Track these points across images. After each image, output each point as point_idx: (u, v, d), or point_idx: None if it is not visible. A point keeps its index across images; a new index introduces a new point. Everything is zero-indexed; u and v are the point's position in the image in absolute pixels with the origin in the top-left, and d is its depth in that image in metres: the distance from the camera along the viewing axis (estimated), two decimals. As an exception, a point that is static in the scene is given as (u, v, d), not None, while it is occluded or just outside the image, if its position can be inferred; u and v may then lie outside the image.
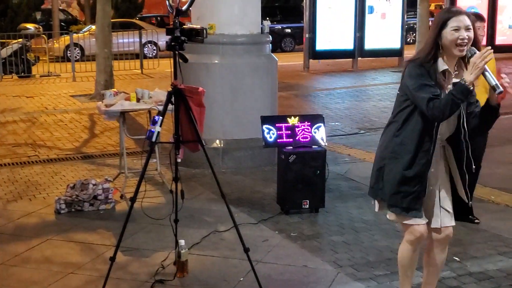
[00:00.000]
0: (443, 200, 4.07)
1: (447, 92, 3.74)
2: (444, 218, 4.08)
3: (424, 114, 3.79)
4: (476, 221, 6.04)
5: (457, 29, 3.74)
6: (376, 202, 4.17)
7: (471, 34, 3.75)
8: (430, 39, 3.84)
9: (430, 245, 4.22)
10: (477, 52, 3.69)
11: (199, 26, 4.68)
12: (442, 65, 3.82)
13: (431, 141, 3.86)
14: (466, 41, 3.73)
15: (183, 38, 4.55)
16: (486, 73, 3.62)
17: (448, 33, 3.76)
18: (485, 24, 5.98)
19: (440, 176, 4.05)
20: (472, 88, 3.64)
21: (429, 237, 4.17)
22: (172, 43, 4.55)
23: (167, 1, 4.91)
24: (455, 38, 3.74)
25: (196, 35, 4.61)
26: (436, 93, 3.72)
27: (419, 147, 3.87)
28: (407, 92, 3.86)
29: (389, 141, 3.99)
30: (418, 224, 4.02)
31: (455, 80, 3.81)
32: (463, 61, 3.85)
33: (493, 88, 3.62)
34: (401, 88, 3.94)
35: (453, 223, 4.14)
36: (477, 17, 5.72)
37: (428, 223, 4.08)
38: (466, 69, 3.72)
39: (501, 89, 3.59)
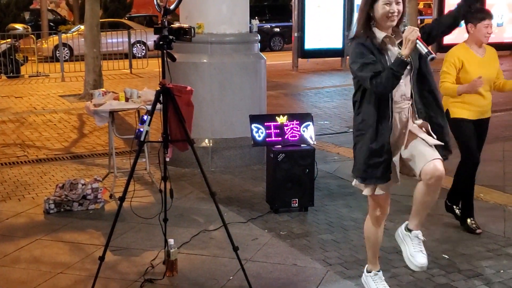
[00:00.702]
0: (427, 140, 4.04)
1: (397, 51, 3.93)
2: (433, 152, 3.99)
3: None
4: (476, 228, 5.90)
5: (388, 3, 3.96)
6: (355, 179, 4.31)
7: (401, 7, 4.00)
8: (362, 12, 4.06)
9: (423, 186, 4.02)
10: (407, 27, 3.90)
11: (187, 25, 4.67)
12: (380, 34, 4.03)
13: (388, 108, 4.01)
14: (396, 14, 3.97)
15: (171, 37, 4.54)
16: (417, 42, 3.83)
17: (379, 7, 3.98)
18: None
19: (416, 130, 4.10)
20: (409, 60, 3.85)
21: (422, 180, 4.00)
22: (160, 42, 4.54)
23: (155, 1, 4.90)
24: (386, 11, 3.97)
25: (184, 34, 4.60)
26: (377, 70, 3.89)
27: (379, 118, 4.01)
28: (353, 74, 4.06)
29: (354, 121, 4.18)
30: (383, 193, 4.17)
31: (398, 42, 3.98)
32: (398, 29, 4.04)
33: (426, 55, 3.85)
34: (351, 70, 4.10)
35: (440, 157, 4.01)
36: (487, 14, 5.67)
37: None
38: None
39: (433, 55, 3.82)
